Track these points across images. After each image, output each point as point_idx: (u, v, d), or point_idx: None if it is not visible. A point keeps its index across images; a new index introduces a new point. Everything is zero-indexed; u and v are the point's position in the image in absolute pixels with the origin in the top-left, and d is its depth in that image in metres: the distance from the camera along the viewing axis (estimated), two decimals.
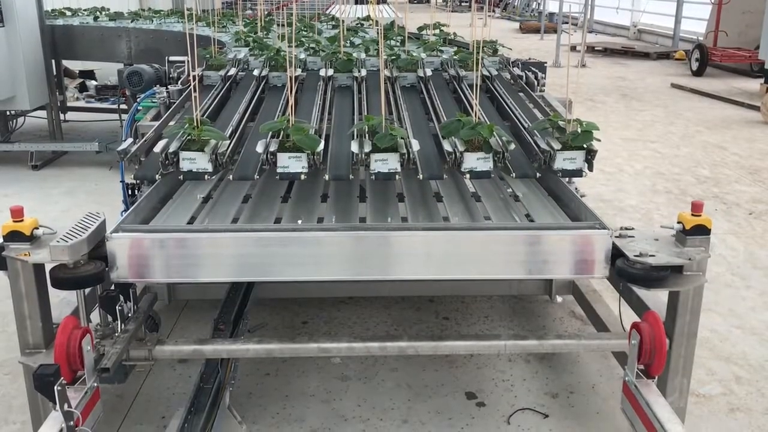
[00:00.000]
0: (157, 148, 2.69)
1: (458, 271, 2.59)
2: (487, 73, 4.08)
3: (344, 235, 2.54)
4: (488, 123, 2.81)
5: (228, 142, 2.84)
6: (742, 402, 3.21)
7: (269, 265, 2.54)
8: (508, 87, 3.95)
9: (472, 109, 2.99)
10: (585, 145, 2.79)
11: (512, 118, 3.45)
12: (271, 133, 2.83)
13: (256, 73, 3.99)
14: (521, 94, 3.96)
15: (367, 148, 2.70)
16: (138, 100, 4.01)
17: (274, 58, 4.10)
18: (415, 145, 2.76)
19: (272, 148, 2.68)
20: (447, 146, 2.80)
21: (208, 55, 4.25)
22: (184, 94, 3.75)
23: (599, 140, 2.78)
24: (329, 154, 2.91)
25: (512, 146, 2.75)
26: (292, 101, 2.84)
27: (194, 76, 2.98)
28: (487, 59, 4.46)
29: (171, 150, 2.69)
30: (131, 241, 2.48)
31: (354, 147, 2.77)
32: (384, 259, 2.55)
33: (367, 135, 2.84)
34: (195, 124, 2.74)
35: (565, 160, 2.76)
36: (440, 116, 3.37)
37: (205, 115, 3.29)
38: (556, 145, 2.78)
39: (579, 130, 2.79)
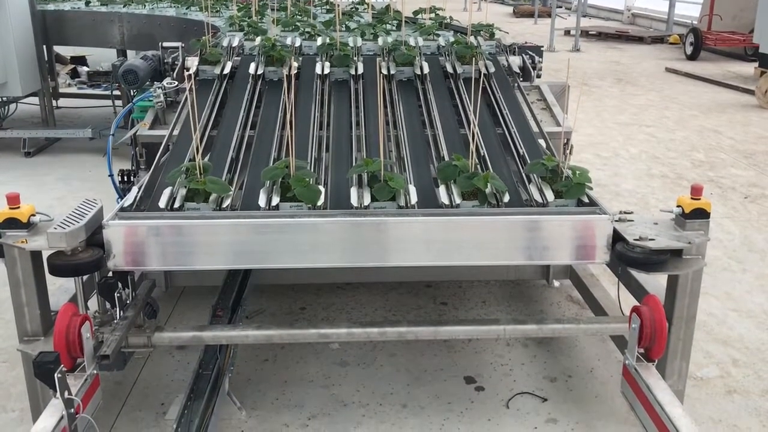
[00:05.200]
0: (161, 203, 2.63)
1: (458, 257, 2.58)
2: (484, 71, 3.98)
3: (342, 221, 2.52)
4: (484, 172, 2.74)
5: (231, 192, 2.77)
6: (739, 384, 3.23)
7: (266, 253, 2.52)
8: (504, 87, 3.82)
9: (469, 126, 2.93)
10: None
11: (506, 126, 3.45)
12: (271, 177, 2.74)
13: (252, 70, 3.88)
14: (517, 92, 3.88)
15: (366, 200, 2.64)
16: (134, 100, 3.92)
17: (269, 53, 4.00)
18: (413, 196, 2.70)
19: (274, 203, 2.63)
20: (444, 197, 2.75)
21: (202, 47, 4.10)
22: (180, 105, 3.63)
23: (591, 188, 2.74)
24: (328, 192, 2.83)
25: (507, 197, 2.71)
26: (292, 149, 2.72)
27: (193, 112, 2.82)
28: (484, 43, 4.42)
29: (176, 205, 2.63)
30: (128, 229, 2.46)
31: (353, 198, 2.69)
32: (383, 246, 2.54)
33: (366, 178, 2.77)
34: (198, 170, 2.66)
35: (558, 207, 2.73)
36: (436, 126, 3.38)
37: (207, 128, 3.28)
38: (550, 195, 2.73)
39: (572, 181, 2.74)
